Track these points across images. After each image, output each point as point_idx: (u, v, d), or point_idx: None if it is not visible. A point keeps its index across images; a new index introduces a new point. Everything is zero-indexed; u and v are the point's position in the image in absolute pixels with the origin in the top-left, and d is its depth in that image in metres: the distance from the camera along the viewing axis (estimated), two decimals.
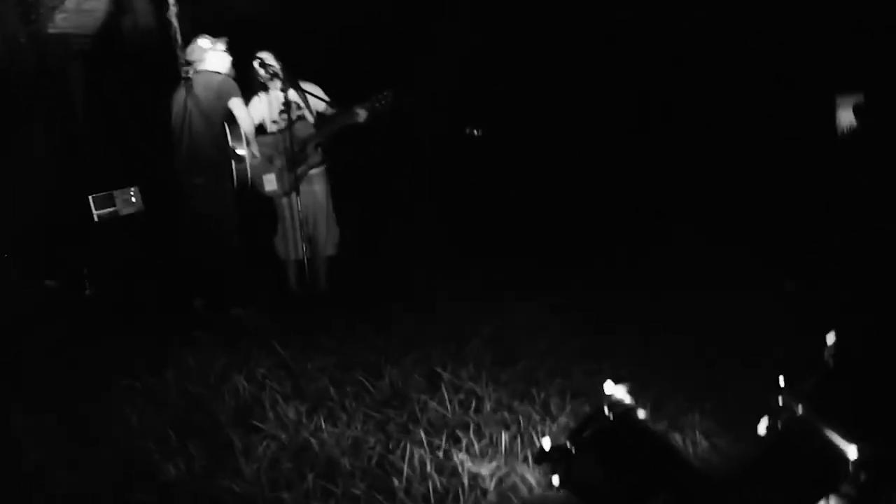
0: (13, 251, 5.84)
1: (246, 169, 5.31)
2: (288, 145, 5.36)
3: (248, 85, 5.48)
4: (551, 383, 3.83)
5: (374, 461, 3.30)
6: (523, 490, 2.96)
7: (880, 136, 5.29)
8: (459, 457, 3.20)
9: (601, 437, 2.61)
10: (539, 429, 3.38)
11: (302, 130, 5.45)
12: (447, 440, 3.36)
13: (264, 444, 3.51)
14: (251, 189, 5.43)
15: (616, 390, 2.71)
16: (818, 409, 2.50)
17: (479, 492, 2.99)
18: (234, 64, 5.39)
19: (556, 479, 2.51)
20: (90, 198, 6.00)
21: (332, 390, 3.97)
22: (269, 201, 5.66)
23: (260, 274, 5.69)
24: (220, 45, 5.33)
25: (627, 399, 2.69)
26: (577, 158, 6.65)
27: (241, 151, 5.26)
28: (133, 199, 6.20)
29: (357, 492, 3.08)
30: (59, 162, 6.13)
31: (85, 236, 5.97)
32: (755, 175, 5.85)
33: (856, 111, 5.34)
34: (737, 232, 5.48)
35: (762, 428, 2.66)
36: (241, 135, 5.25)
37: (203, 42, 5.30)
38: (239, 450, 3.48)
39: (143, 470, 3.42)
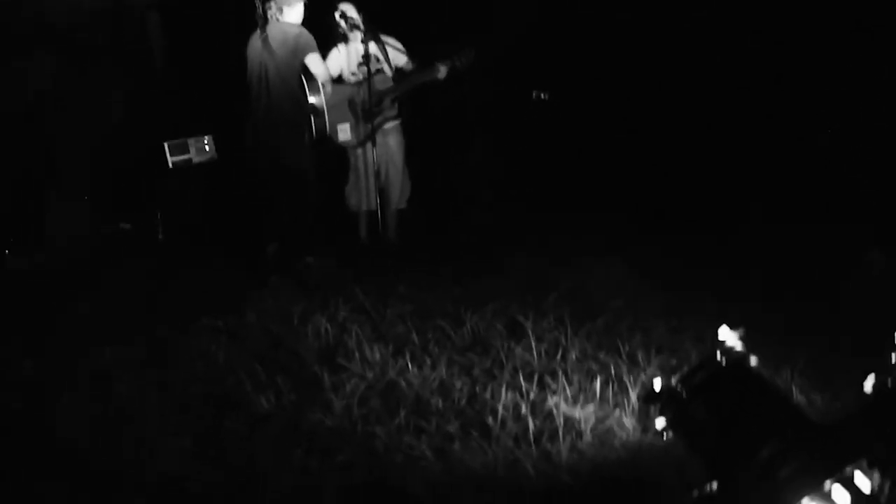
0: (91, 194, 5.96)
1: (325, 123, 5.33)
2: (365, 97, 5.38)
3: (329, 35, 5.49)
4: (634, 337, 3.83)
5: (464, 402, 3.33)
6: (620, 435, 2.97)
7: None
8: (553, 400, 3.21)
9: (713, 383, 2.61)
10: (627, 379, 3.38)
11: (380, 83, 5.47)
12: (536, 386, 3.37)
13: (352, 382, 3.56)
14: (327, 139, 5.46)
15: (729, 336, 2.70)
16: None
17: (574, 434, 3.01)
18: (315, 14, 5.38)
19: (660, 422, 2.51)
20: (165, 144, 6.09)
21: (413, 335, 4.01)
22: (342, 151, 5.68)
23: (332, 223, 5.73)
24: None
25: (740, 346, 2.68)
26: (659, 123, 6.55)
27: (318, 105, 5.28)
28: (207, 148, 6.28)
29: (451, 429, 3.11)
30: (138, 108, 6.20)
31: (161, 181, 6.07)
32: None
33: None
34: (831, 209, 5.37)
35: (869, 385, 2.63)
36: (318, 88, 5.27)
37: None
38: (327, 386, 3.54)
39: (235, 401, 3.49)
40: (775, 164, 5.93)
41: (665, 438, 2.95)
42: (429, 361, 3.72)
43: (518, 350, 3.72)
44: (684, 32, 6.37)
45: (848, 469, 1.56)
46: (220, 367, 3.87)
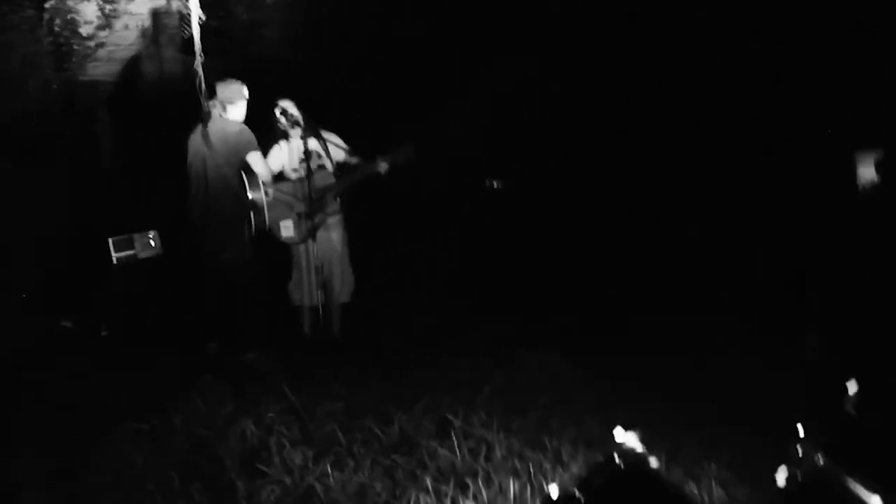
0: (30, 290, 5.88)
1: (265, 219, 5.34)
2: (307, 193, 5.40)
3: (270, 132, 5.55)
4: (564, 432, 3.75)
5: None
6: None
7: None
8: None
9: (612, 486, 2.52)
10: (550, 477, 3.29)
11: (321, 179, 5.50)
12: (455, 487, 3.27)
13: (268, 489, 3.43)
14: (268, 235, 5.45)
15: (627, 437, 2.63)
16: (840, 458, 2.41)
17: None
18: (256, 111, 5.46)
19: None
20: (110, 240, 6.05)
21: (340, 435, 3.90)
22: (284, 247, 5.66)
23: (273, 319, 5.66)
24: (241, 94, 5.40)
25: (639, 447, 2.61)
26: (590, 208, 6.66)
27: (258, 201, 5.30)
28: (152, 243, 6.24)
29: None
30: (82, 204, 6.20)
31: (104, 278, 6.00)
32: (771, 237, 5.79)
33: (878, 167, 5.30)
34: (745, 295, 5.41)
35: (781, 478, 2.56)
36: (258, 184, 5.30)
37: (223, 91, 5.36)
38: (242, 494, 3.41)
39: None
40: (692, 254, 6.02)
41: None
42: (352, 464, 3.61)
43: (442, 451, 3.61)
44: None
45: None
46: (136, 474, 3.73)
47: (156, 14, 6.71)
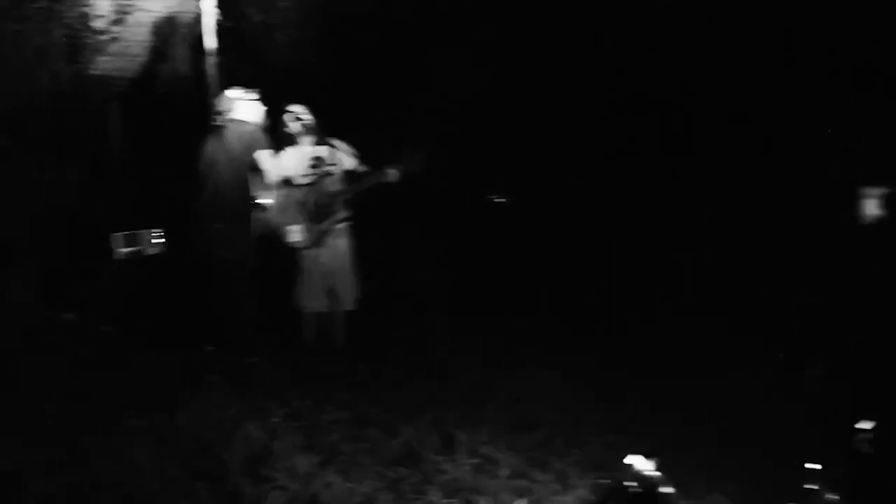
0: (35, 285, 5.85)
1: (272, 220, 5.36)
2: (315, 199, 5.42)
3: (280, 136, 5.56)
4: (569, 453, 3.77)
5: None
6: None
7: None
8: None
9: None
10: (555, 499, 3.30)
11: (330, 186, 5.52)
12: None
13: (273, 494, 3.44)
14: (275, 239, 5.47)
15: (640, 463, 2.65)
16: (852, 495, 2.44)
17: None
18: (268, 115, 5.48)
19: None
20: (116, 235, 6.04)
21: (346, 445, 3.91)
22: (292, 252, 5.67)
23: (278, 324, 5.66)
24: (252, 96, 5.42)
25: (653, 472, 2.63)
26: (603, 224, 6.69)
27: (264, 201, 5.33)
28: (158, 240, 6.24)
29: None
30: (90, 199, 6.18)
31: (107, 273, 5.99)
32: (781, 261, 5.83)
33: (884, 202, 5.35)
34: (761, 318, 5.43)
35: None
36: (268, 187, 5.32)
37: (234, 93, 5.40)
38: (247, 498, 3.41)
39: None
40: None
41: None
42: (356, 474, 3.61)
43: (449, 466, 3.63)
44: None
45: None
46: (141, 472, 3.72)
47: (170, 12, 6.71)
